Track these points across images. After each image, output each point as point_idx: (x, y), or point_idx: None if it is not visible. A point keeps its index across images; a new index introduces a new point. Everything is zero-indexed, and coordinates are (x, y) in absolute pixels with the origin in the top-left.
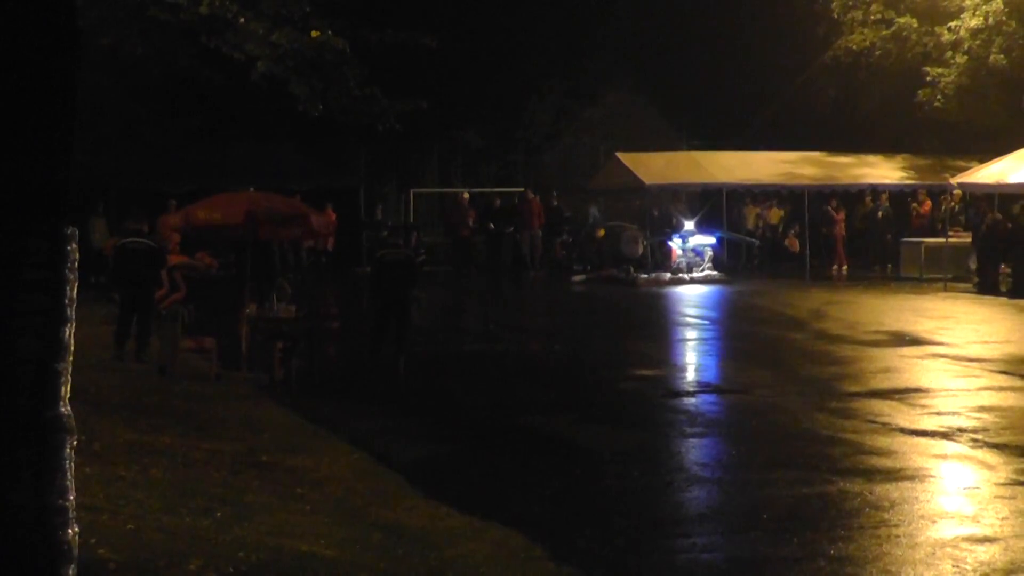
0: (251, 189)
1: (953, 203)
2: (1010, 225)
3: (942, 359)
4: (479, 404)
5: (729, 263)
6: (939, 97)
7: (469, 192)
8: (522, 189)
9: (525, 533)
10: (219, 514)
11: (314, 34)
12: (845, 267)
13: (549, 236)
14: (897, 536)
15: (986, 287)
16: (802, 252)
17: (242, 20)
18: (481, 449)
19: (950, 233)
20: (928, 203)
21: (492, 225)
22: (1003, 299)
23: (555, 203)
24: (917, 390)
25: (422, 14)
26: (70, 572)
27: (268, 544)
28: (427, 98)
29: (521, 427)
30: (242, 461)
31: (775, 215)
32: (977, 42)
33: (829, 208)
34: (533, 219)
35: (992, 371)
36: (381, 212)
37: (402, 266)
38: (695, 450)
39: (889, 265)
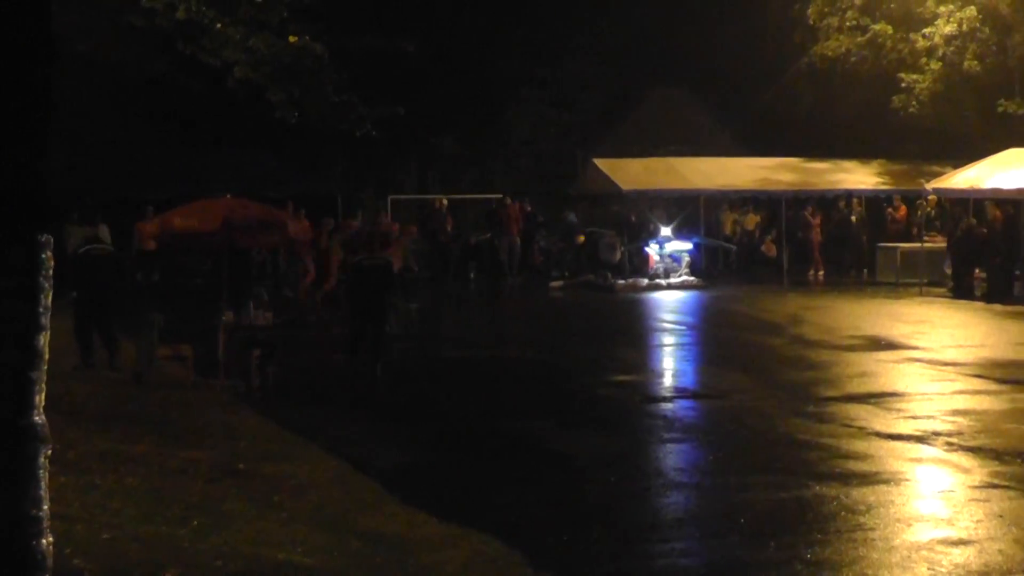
0: (228, 196)
1: (928, 208)
2: (984, 230)
3: (918, 363)
4: (457, 410)
5: (706, 269)
6: (914, 103)
7: (447, 198)
8: (500, 195)
9: (503, 539)
10: (196, 523)
11: (292, 39)
12: (822, 272)
13: (527, 242)
14: (873, 539)
15: (961, 292)
16: (779, 257)
17: (219, 26)
18: (459, 455)
19: (926, 238)
20: (903, 208)
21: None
22: (978, 303)
23: (529, 208)
24: (893, 394)
25: (400, 21)
26: None
27: (245, 553)
28: (405, 104)
29: (499, 433)
30: (219, 469)
31: (752, 221)
32: (951, 49)
33: (806, 213)
34: (511, 225)
35: (967, 375)
36: (360, 219)
37: (379, 272)
38: (673, 455)
39: (865, 270)
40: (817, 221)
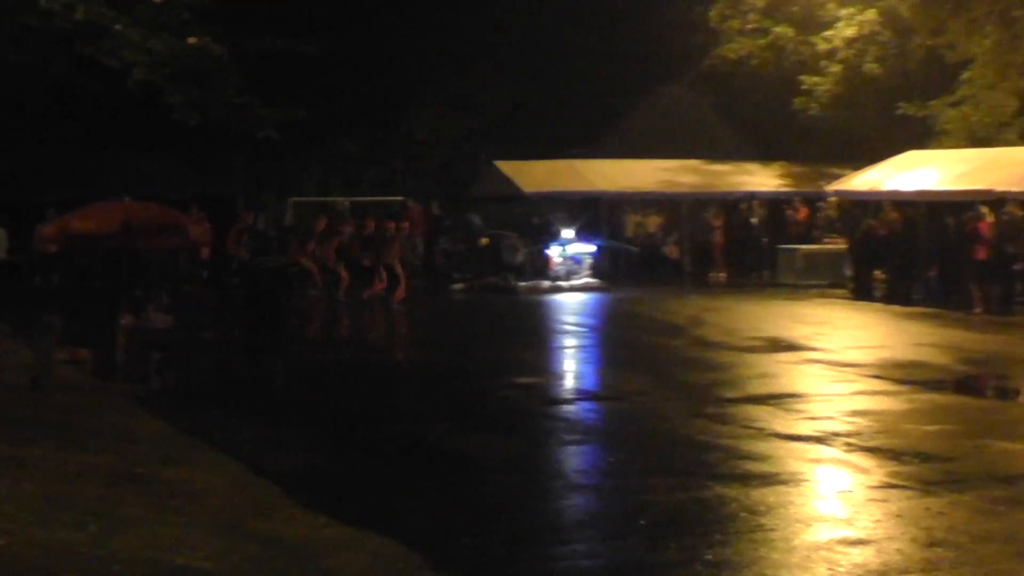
0: (127, 198)
1: (829, 210)
2: (884, 232)
3: (818, 364)
4: (358, 413)
5: (608, 271)
6: (815, 105)
7: (349, 200)
8: (401, 198)
9: (404, 542)
10: (93, 528)
11: (191, 41)
12: (723, 274)
13: (429, 244)
14: (773, 540)
15: (861, 293)
16: (681, 259)
17: (118, 27)
18: (359, 458)
19: (826, 240)
20: (804, 210)
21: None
22: (878, 305)
23: (436, 211)
24: (793, 395)
25: (302, 22)
26: None
27: (143, 558)
28: (306, 106)
29: (400, 436)
30: (117, 473)
31: (653, 223)
32: (852, 51)
33: (707, 215)
34: (414, 227)
35: (866, 376)
36: (262, 221)
37: (275, 275)
38: (574, 457)
39: (767, 272)
40: (719, 223)
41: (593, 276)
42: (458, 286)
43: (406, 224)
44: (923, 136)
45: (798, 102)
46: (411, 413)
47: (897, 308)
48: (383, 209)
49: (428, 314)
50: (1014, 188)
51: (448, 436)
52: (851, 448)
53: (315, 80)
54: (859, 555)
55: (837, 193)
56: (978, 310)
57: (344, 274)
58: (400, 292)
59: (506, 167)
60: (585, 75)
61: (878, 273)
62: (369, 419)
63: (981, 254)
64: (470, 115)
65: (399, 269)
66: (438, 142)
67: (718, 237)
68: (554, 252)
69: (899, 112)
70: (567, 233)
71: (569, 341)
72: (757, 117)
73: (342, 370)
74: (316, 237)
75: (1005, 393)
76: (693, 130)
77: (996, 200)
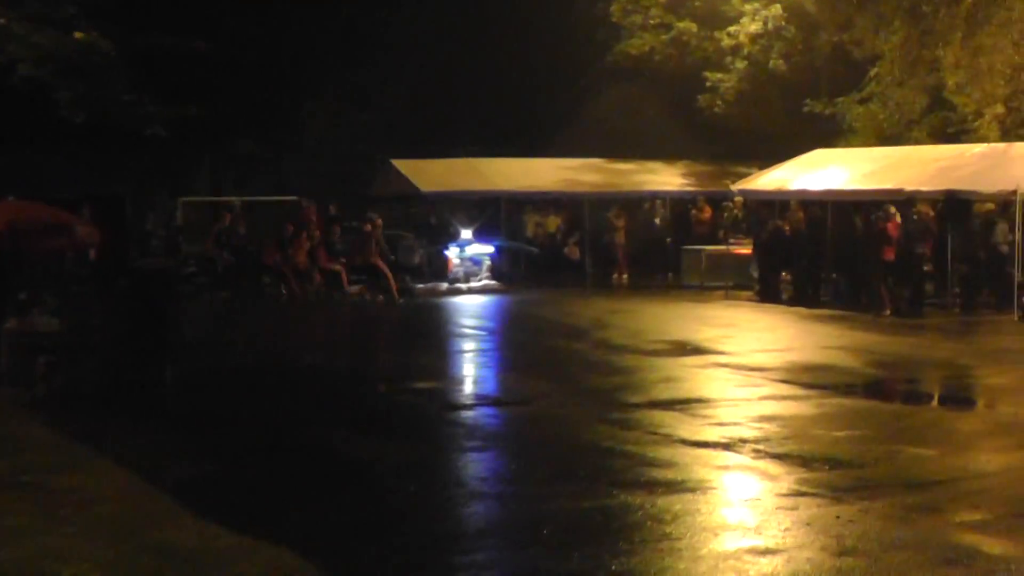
0: (11, 198)
1: (735, 210)
2: (789, 232)
3: (724, 368)
4: (252, 419)
5: (508, 272)
6: (719, 102)
7: (241, 200)
8: (296, 198)
9: (299, 551)
10: None
11: (78, 35)
12: (626, 275)
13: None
14: (679, 549)
15: (767, 295)
16: (582, 260)
17: (2, 21)
18: (254, 466)
19: (731, 241)
20: (708, 210)
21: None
22: (784, 307)
23: (334, 212)
24: (699, 400)
25: (193, 18)
26: None
27: (31, 569)
28: (198, 103)
29: (295, 443)
30: (2, 482)
31: (553, 223)
32: (757, 47)
33: (610, 216)
34: (310, 228)
35: (773, 380)
36: (151, 221)
37: (159, 277)
38: (474, 464)
39: (671, 273)
40: (621, 223)
41: (492, 278)
42: (354, 289)
43: (379, 222)
44: (831, 134)
45: (703, 99)
46: (307, 419)
47: (804, 310)
48: (276, 210)
49: (324, 317)
50: (923, 187)
51: (346, 442)
52: (759, 455)
53: (207, 77)
54: (768, 565)
55: (743, 192)
56: (887, 312)
57: (317, 276)
58: (395, 291)
59: (403, 165)
60: (485, 72)
61: (785, 274)
62: (265, 425)
63: (889, 255)
64: (367, 112)
65: (384, 267)
66: (334, 140)
67: (620, 238)
68: (452, 253)
69: (806, 109)
70: (466, 234)
71: (468, 345)
72: (661, 114)
73: (237, 375)
74: (287, 241)
75: (916, 397)
76: (595, 128)
77: (905, 200)
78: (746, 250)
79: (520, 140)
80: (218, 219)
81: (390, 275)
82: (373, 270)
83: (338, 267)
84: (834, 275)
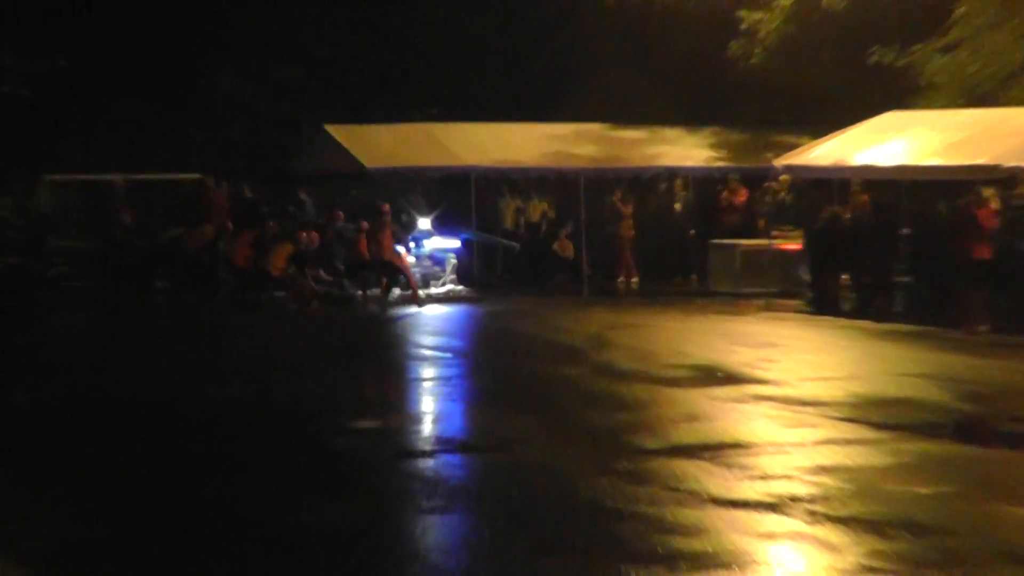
0: None
1: (781, 192)
2: (848, 220)
3: (767, 402)
4: (142, 468)
5: (480, 275)
6: (757, 51)
7: (126, 179)
8: (199, 176)
9: None
10: None
11: None
12: (635, 279)
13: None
14: None
15: (823, 305)
16: (577, 259)
17: None
18: (141, 531)
19: (775, 233)
20: (743, 192)
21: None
22: (844, 320)
23: (248, 194)
24: (734, 445)
25: None
26: None
27: None
28: (69, 55)
29: (198, 500)
30: None
31: (538, 209)
32: None
33: (614, 200)
34: (221, 217)
35: (833, 418)
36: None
37: (16, 279)
38: (435, 530)
39: (694, 276)
40: (629, 210)
41: (459, 282)
42: (280, 294)
43: (339, 213)
44: (904, 92)
45: (735, 47)
46: (214, 468)
47: (871, 325)
48: (173, 191)
49: (237, 334)
50: None
51: (264, 500)
52: (816, 518)
53: (82, 22)
54: None
55: (789, 169)
56: (981, 328)
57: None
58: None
59: (341, 134)
60: (448, 11)
61: (845, 278)
62: (157, 476)
63: (984, 252)
64: (291, 67)
65: (404, 264)
66: (250, 101)
67: (627, 229)
68: (407, 250)
69: (872, 60)
70: (423, 224)
71: (428, 371)
72: (680, 68)
73: (122, 409)
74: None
75: (1020, 441)
76: (594, 85)
77: (1005, 179)
78: (794, 245)
79: (495, 101)
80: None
81: (410, 273)
82: (387, 268)
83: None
84: (910, 278)
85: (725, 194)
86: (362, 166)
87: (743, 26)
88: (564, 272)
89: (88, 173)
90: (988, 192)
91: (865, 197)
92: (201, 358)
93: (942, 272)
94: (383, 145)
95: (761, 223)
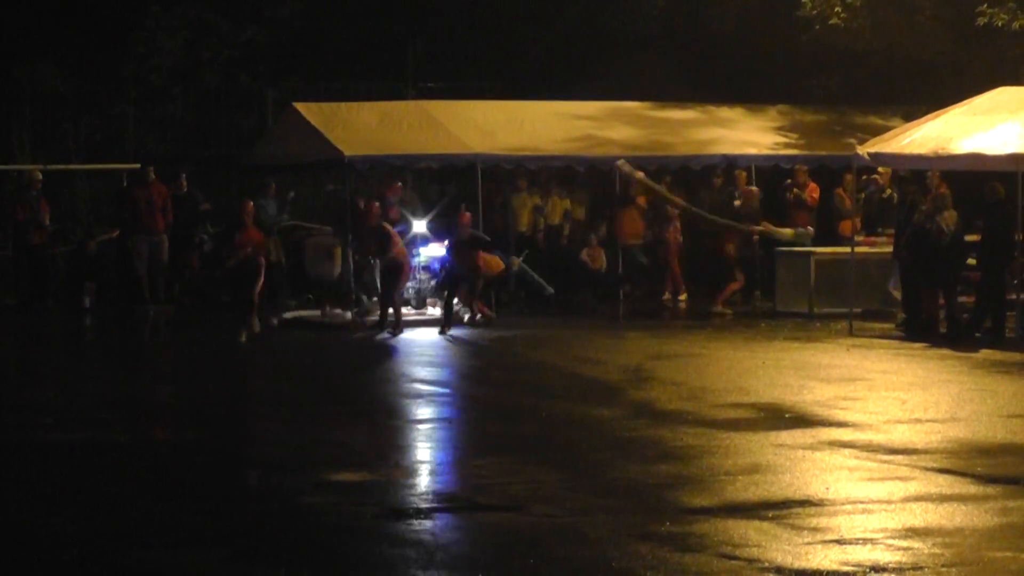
0: None
1: (886, 188)
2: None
3: (846, 450)
4: (67, 533)
5: (487, 290)
6: (837, 9)
7: (43, 170)
8: (136, 165)
9: None
10: None
11: None
12: (684, 296)
13: (183, 244)
14: None
15: (918, 328)
16: (611, 271)
17: None
18: None
19: (860, 239)
20: (814, 187)
21: None
22: (947, 350)
23: (185, 188)
24: (804, 502)
25: None
26: None
27: None
28: None
29: (137, 572)
30: None
31: (560, 208)
32: None
33: (663, 193)
34: (155, 216)
35: (928, 469)
36: None
37: None
38: None
39: (757, 292)
40: (676, 209)
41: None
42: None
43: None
44: (1021, 63)
45: (808, 5)
46: (159, 533)
47: (976, 354)
48: (103, 182)
49: (184, 363)
50: None
51: (217, 573)
52: None
53: None
54: None
55: (876, 157)
56: None
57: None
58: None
59: (312, 112)
60: None
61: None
62: (86, 543)
63: None
64: (249, 27)
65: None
66: (195, 72)
67: (674, 233)
68: None
69: (980, 23)
70: (417, 226)
71: (422, 410)
72: (738, 31)
73: (39, 456)
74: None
75: None
76: (632, 54)
77: None
78: (884, 251)
79: (507, 72)
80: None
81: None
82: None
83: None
84: None
85: (795, 191)
86: (339, 153)
87: None
88: (594, 287)
89: None
90: None
91: (944, 190)
92: (140, 395)
93: None
94: (365, 127)
95: (849, 225)
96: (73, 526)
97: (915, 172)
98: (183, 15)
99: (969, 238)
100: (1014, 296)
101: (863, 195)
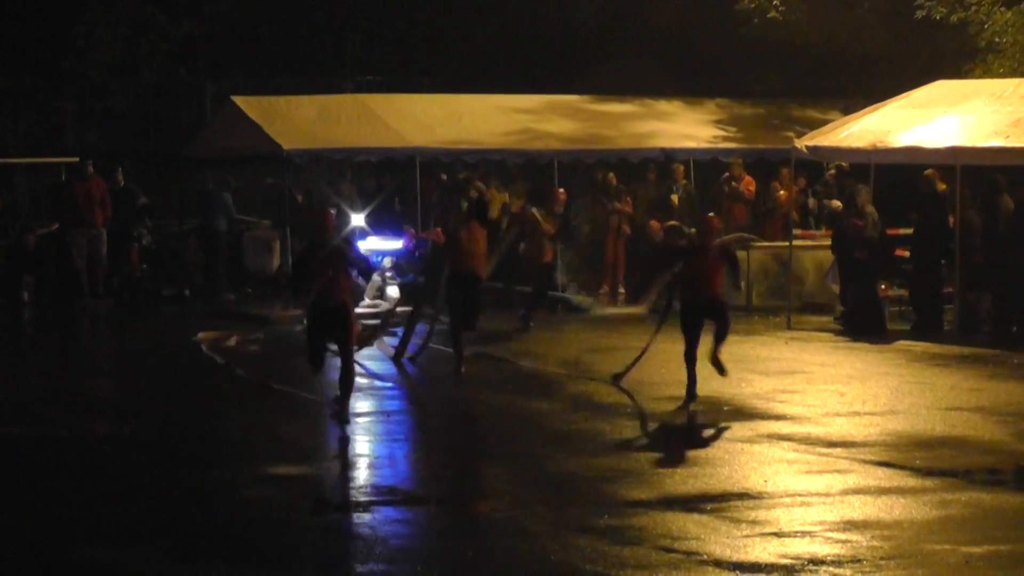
0: None
1: (830, 183)
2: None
3: (785, 443)
4: (5, 528)
5: (425, 285)
6: (776, 3)
7: None
8: (75, 159)
9: None
10: None
11: None
12: (622, 290)
13: (121, 239)
14: None
15: (856, 322)
16: (552, 264)
17: None
18: None
19: (798, 232)
20: (750, 181)
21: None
22: (883, 344)
23: (122, 183)
24: (743, 495)
25: None
26: None
27: None
28: None
29: (71, 569)
30: None
31: (499, 201)
32: None
33: (597, 190)
34: (93, 210)
35: (866, 462)
36: None
37: None
38: None
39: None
40: (625, 205)
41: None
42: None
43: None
44: (959, 56)
45: (745, 0)
46: (98, 528)
47: (916, 346)
48: (40, 177)
49: (122, 358)
50: None
51: (161, 567)
52: None
53: None
54: None
55: (813, 150)
56: None
57: None
58: None
59: (250, 106)
60: None
61: (885, 287)
62: (25, 539)
63: None
64: (185, 23)
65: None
66: (133, 65)
67: (618, 224)
68: None
69: (918, 15)
70: (357, 220)
71: (362, 404)
72: (676, 25)
73: None
74: None
75: None
76: (569, 48)
77: None
78: (822, 244)
79: (445, 66)
80: None
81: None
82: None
83: None
84: (966, 290)
85: (733, 184)
86: (278, 147)
87: None
88: (535, 280)
89: None
90: None
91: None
92: (79, 390)
93: (1006, 281)
94: (305, 121)
95: (781, 219)
96: (12, 522)
97: (854, 167)
98: (121, 10)
99: (904, 231)
100: (950, 289)
101: (815, 188)
